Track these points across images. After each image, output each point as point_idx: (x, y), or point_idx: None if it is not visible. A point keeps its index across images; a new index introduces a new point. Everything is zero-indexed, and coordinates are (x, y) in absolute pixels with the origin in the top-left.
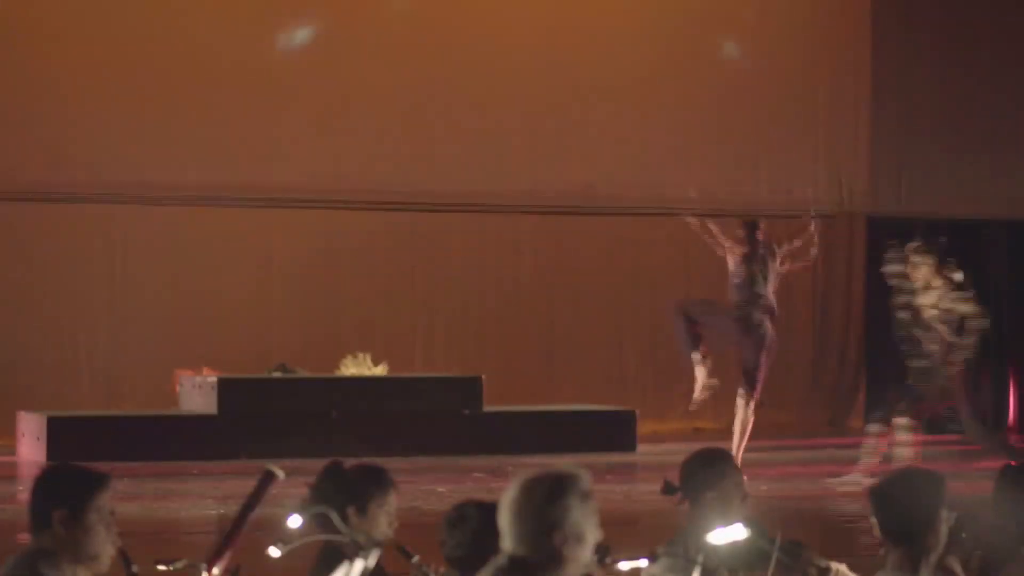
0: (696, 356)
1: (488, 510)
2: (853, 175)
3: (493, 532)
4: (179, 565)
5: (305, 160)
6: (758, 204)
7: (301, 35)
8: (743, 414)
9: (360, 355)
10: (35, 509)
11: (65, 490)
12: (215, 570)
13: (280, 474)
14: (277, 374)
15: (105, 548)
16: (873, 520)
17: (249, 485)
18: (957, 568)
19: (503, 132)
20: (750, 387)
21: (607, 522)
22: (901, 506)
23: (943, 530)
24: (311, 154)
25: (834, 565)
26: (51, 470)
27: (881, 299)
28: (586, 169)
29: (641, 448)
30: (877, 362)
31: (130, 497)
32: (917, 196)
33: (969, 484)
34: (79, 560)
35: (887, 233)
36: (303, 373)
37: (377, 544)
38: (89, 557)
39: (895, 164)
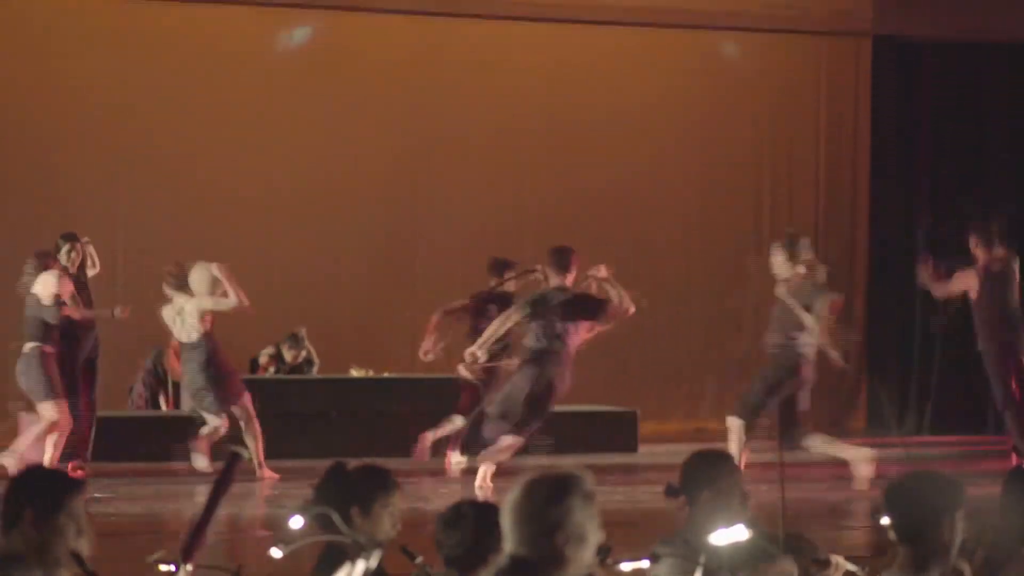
0: None
1: (484, 509)
2: None
3: (490, 531)
4: (161, 554)
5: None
6: (757, 21)
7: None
8: None
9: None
10: (7, 507)
11: (40, 491)
12: (188, 567)
13: (245, 454)
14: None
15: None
16: (885, 519)
17: (248, 485)
18: (967, 571)
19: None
20: None
21: (608, 523)
22: (912, 506)
23: (958, 534)
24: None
25: (833, 557)
26: (28, 470)
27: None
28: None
29: (643, 449)
30: (879, 358)
31: (131, 498)
32: (920, 17)
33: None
34: (46, 563)
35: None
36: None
37: (379, 545)
38: (55, 561)
39: None
